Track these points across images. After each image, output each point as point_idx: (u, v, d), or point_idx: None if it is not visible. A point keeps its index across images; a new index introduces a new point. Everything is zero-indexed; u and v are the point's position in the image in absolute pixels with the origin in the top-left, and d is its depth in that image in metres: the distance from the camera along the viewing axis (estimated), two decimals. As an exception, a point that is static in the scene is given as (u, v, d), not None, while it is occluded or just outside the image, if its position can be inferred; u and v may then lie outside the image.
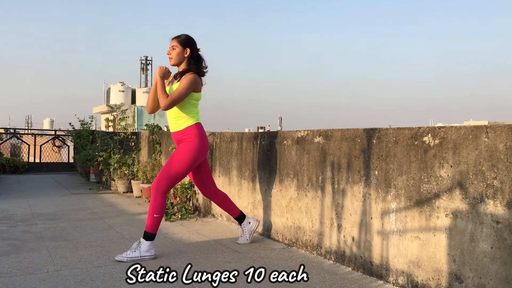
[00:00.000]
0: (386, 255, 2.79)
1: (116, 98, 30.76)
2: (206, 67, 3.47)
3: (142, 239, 3.24)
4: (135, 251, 3.21)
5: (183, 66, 3.40)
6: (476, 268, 2.27)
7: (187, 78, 3.29)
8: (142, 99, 31.80)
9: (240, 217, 3.77)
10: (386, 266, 2.78)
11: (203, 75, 3.45)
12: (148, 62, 37.26)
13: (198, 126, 3.41)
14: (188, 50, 3.38)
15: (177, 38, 3.39)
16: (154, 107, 3.46)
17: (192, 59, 3.39)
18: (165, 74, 3.36)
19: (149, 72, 37.02)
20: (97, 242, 3.74)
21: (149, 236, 3.24)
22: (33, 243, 3.68)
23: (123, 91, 31.66)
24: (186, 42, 3.39)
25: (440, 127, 2.52)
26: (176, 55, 3.37)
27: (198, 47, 3.46)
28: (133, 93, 32.56)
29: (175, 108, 3.36)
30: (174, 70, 3.50)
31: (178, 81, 3.35)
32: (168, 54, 3.40)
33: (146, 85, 35.82)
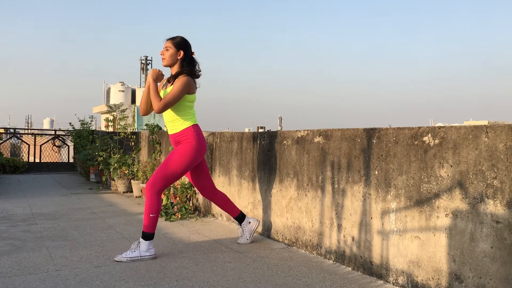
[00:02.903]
0: (386, 255, 2.79)
1: (116, 98, 30.78)
2: (200, 70, 3.46)
3: (141, 239, 3.24)
4: (134, 251, 3.21)
5: (176, 69, 3.39)
6: (476, 268, 2.27)
7: (180, 80, 3.28)
8: (142, 99, 31.77)
9: (240, 217, 3.77)
10: (386, 266, 2.78)
11: (197, 77, 3.44)
12: (148, 62, 37.27)
13: (195, 127, 3.41)
14: (182, 52, 3.37)
15: (172, 39, 3.39)
16: (147, 109, 3.45)
17: (185, 61, 3.38)
18: (158, 76, 3.35)
19: (149, 72, 37.03)
20: (97, 242, 3.74)
21: (147, 236, 3.24)
22: (33, 243, 3.68)
23: (123, 91, 31.69)
24: (181, 44, 3.38)
25: (440, 127, 2.52)
26: (169, 56, 3.36)
27: (192, 51, 3.45)
28: (133, 93, 32.58)
29: (170, 111, 3.35)
30: (167, 73, 3.50)
31: (172, 84, 3.34)
32: (161, 54, 3.39)
33: (146, 85, 35.80)
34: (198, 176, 3.59)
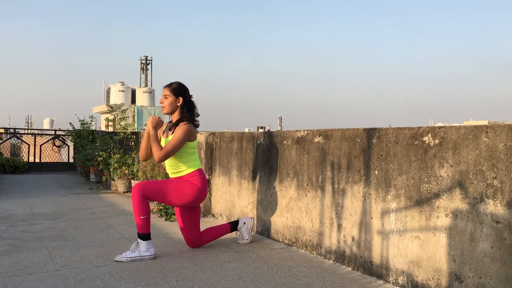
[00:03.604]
0: (386, 255, 2.79)
1: (116, 98, 30.78)
2: (198, 115, 3.51)
3: (139, 240, 3.24)
4: (134, 251, 3.21)
5: (176, 115, 3.43)
6: (476, 268, 2.27)
7: (180, 129, 3.31)
8: (142, 99, 31.81)
9: (233, 226, 3.75)
10: (386, 266, 2.78)
11: (197, 126, 3.49)
12: (148, 62, 37.24)
13: (200, 172, 3.43)
14: (181, 99, 3.42)
15: (169, 86, 3.43)
16: (147, 156, 3.49)
17: (185, 107, 3.43)
18: (157, 124, 3.39)
19: (149, 72, 37.01)
20: (97, 242, 3.74)
21: (144, 236, 3.23)
22: (33, 242, 3.69)
23: (123, 91, 31.69)
24: (178, 90, 3.43)
25: (440, 127, 2.52)
26: (168, 104, 3.41)
27: (190, 94, 3.49)
28: (133, 93, 32.58)
29: (173, 158, 3.37)
30: (166, 118, 3.53)
31: (173, 132, 3.37)
32: (161, 103, 3.45)
33: (146, 85, 35.81)
34: (188, 219, 3.51)
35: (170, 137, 3.37)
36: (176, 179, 3.41)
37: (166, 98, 3.41)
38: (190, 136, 3.34)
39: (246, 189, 4.37)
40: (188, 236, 3.54)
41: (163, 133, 3.52)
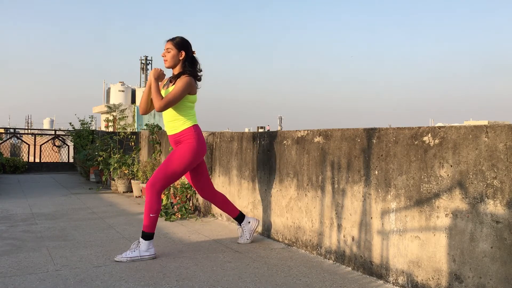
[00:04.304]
0: (386, 255, 2.79)
1: (116, 98, 30.76)
2: (201, 70, 3.48)
3: (141, 239, 3.24)
4: (134, 251, 3.21)
5: (178, 69, 3.40)
6: (476, 268, 2.27)
7: (182, 80, 3.30)
8: (142, 99, 31.76)
9: (239, 217, 3.77)
10: (386, 266, 2.78)
11: (199, 80, 3.46)
12: (148, 62, 37.26)
13: (196, 128, 3.41)
14: (183, 53, 3.38)
15: (172, 40, 3.39)
16: (147, 108, 3.46)
17: (187, 61, 3.40)
18: (159, 75, 3.37)
19: (149, 71, 37.00)
20: (97, 242, 3.74)
21: (147, 235, 3.24)
22: (33, 242, 3.68)
23: (123, 91, 31.66)
24: (181, 44, 3.39)
25: (440, 127, 2.52)
26: (171, 58, 3.37)
27: (193, 50, 3.46)
28: (133, 93, 32.55)
29: (171, 111, 3.36)
30: (169, 73, 3.51)
31: (173, 84, 3.35)
32: (163, 56, 3.41)
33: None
34: (197, 177, 3.59)
35: (170, 89, 3.35)
36: (173, 141, 3.41)
37: (168, 51, 3.37)
38: (191, 88, 3.32)
39: (246, 189, 4.37)
40: (203, 192, 3.63)
41: (163, 86, 3.50)
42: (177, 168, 3.31)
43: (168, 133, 3.47)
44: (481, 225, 2.26)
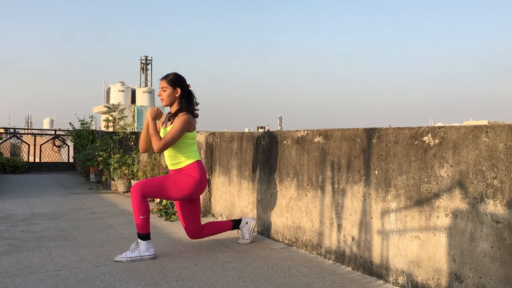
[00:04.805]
0: (386, 255, 2.79)
1: (116, 97, 30.78)
2: (197, 104, 3.49)
3: (139, 240, 3.24)
4: (134, 251, 3.21)
5: (175, 106, 3.42)
6: (476, 268, 2.27)
7: (179, 119, 3.30)
8: (142, 99, 31.79)
9: (235, 225, 3.76)
10: (386, 266, 2.78)
11: (197, 116, 3.47)
12: (148, 62, 37.23)
13: (199, 163, 3.41)
14: (179, 89, 3.40)
15: (165, 78, 3.41)
16: (147, 147, 3.49)
17: (183, 98, 3.41)
18: (157, 115, 3.38)
19: (149, 72, 37.00)
20: (97, 242, 3.74)
21: (143, 236, 3.23)
22: (33, 242, 3.69)
23: (123, 91, 31.68)
24: (176, 81, 3.40)
25: (440, 127, 2.52)
26: (167, 96, 3.39)
27: (188, 84, 3.48)
28: (133, 92, 32.56)
29: (172, 149, 3.36)
30: (166, 109, 3.52)
31: (172, 123, 3.36)
32: (159, 95, 3.43)
33: (146, 85, 35.80)
34: (190, 210, 3.52)
35: (169, 128, 3.36)
36: (175, 173, 3.40)
37: (164, 90, 3.39)
38: (189, 126, 3.33)
39: (246, 189, 4.37)
40: (189, 227, 3.54)
41: (162, 124, 3.51)
42: (172, 193, 3.31)
43: (170, 169, 3.47)
44: (481, 225, 2.26)
